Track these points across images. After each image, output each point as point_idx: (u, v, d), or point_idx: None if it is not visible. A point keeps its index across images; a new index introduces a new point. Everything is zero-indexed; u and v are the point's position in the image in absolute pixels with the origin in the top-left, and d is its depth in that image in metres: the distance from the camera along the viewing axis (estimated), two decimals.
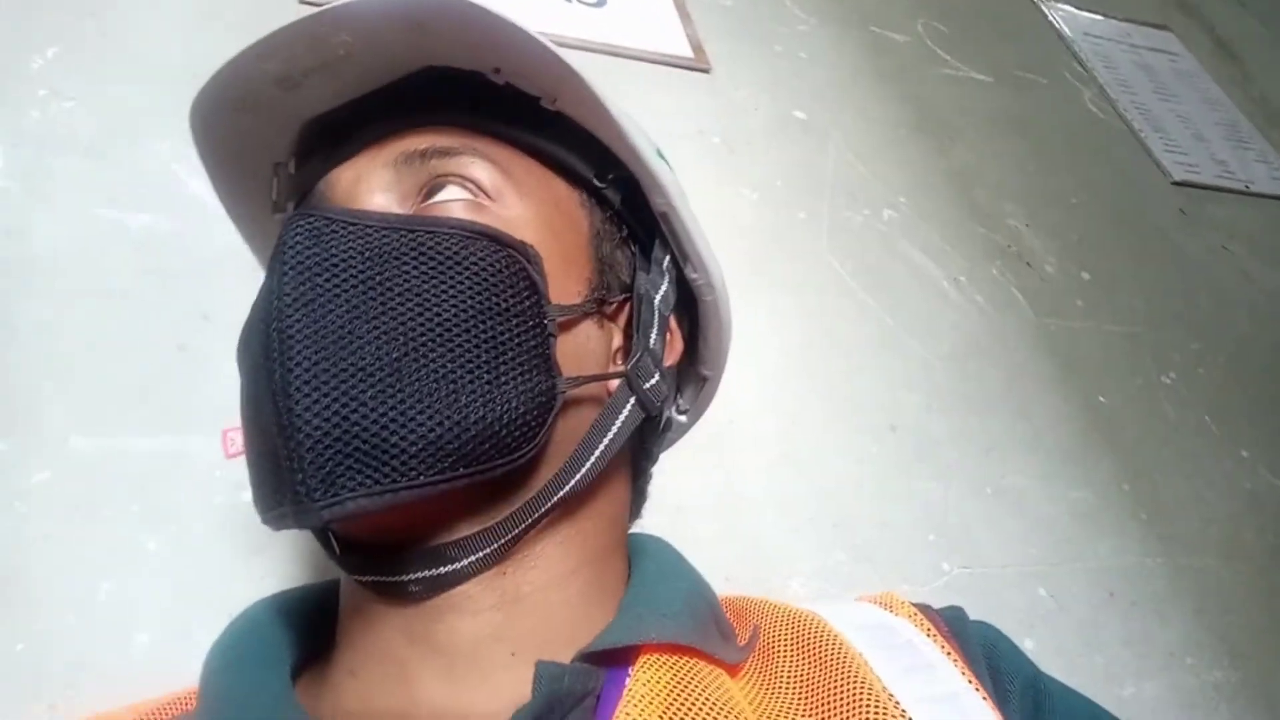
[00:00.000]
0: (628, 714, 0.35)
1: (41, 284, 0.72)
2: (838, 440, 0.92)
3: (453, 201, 0.43)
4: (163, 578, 0.63)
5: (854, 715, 0.37)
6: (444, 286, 0.40)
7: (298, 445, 0.36)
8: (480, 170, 0.45)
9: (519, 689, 0.36)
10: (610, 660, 0.38)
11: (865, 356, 1.00)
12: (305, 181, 0.47)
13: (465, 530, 0.40)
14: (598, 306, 0.46)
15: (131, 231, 0.77)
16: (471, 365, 0.39)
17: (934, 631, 0.43)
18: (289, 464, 0.36)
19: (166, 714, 0.44)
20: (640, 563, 0.46)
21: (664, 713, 0.36)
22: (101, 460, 0.66)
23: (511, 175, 0.45)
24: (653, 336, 0.47)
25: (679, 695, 0.36)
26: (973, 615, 0.47)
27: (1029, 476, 0.97)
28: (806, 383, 0.95)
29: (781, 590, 0.79)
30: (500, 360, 0.40)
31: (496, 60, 0.46)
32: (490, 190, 0.44)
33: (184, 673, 0.45)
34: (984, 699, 0.39)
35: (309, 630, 0.46)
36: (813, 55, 1.31)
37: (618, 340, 0.47)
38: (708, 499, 0.81)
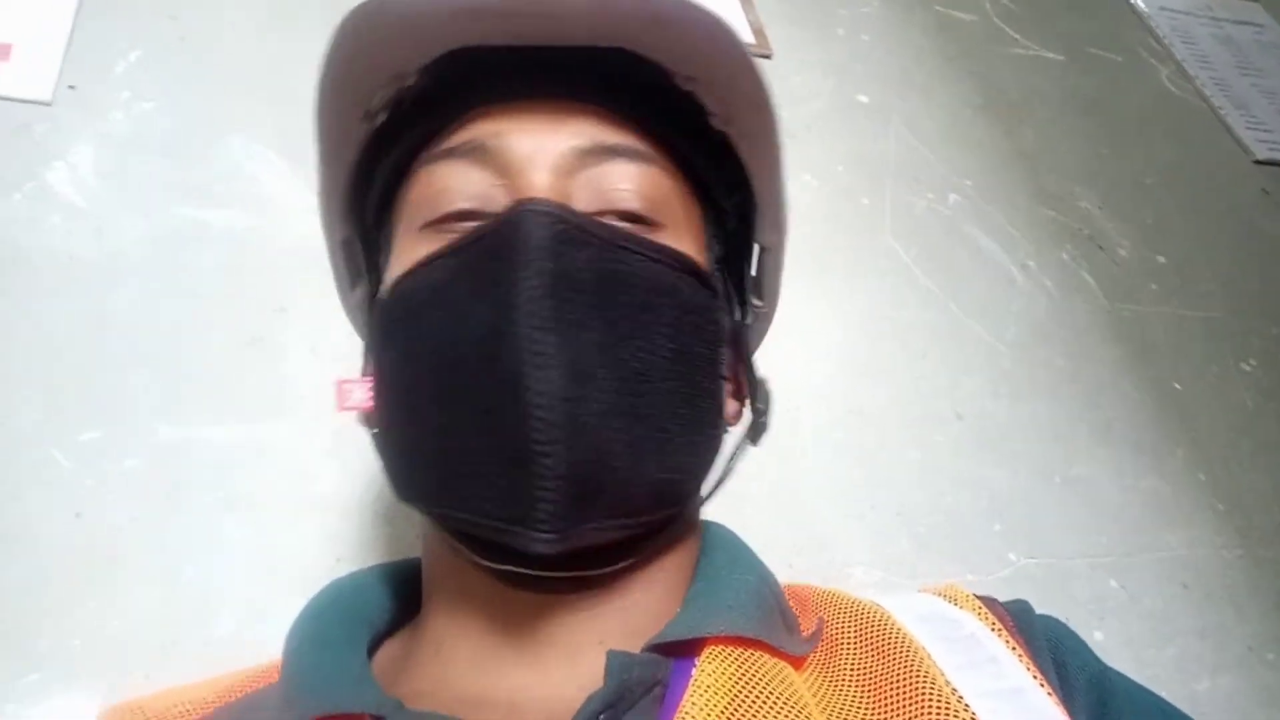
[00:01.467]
0: (693, 703, 0.36)
1: (127, 279, 0.75)
2: (900, 428, 0.91)
3: (639, 219, 0.43)
4: (242, 560, 0.66)
5: (917, 708, 0.37)
6: (663, 322, 0.41)
7: (544, 477, 0.36)
8: (660, 186, 0.45)
9: (594, 677, 0.37)
10: (677, 651, 0.39)
11: (929, 343, 0.99)
12: (438, 105, 0.45)
13: (629, 544, 0.42)
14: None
15: (209, 228, 0.80)
16: (684, 412, 0.42)
17: (998, 625, 0.43)
18: (530, 492, 0.37)
19: (251, 685, 0.46)
20: (708, 553, 0.47)
21: (728, 704, 0.36)
22: (184, 448, 0.69)
23: (676, 193, 0.46)
24: (754, 369, 0.50)
25: (743, 687, 0.37)
26: (1040, 606, 0.46)
27: (1099, 465, 0.95)
28: (868, 370, 0.94)
29: (842, 579, 0.79)
30: (700, 407, 0.43)
31: (696, 70, 0.44)
32: (664, 210, 0.44)
33: (265, 652, 0.47)
34: (1049, 694, 0.39)
35: (384, 609, 0.48)
36: (876, 38, 1.29)
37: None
38: (766, 486, 0.81)
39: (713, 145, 0.47)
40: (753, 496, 0.80)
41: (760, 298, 0.52)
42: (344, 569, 0.57)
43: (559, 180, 0.42)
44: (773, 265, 0.51)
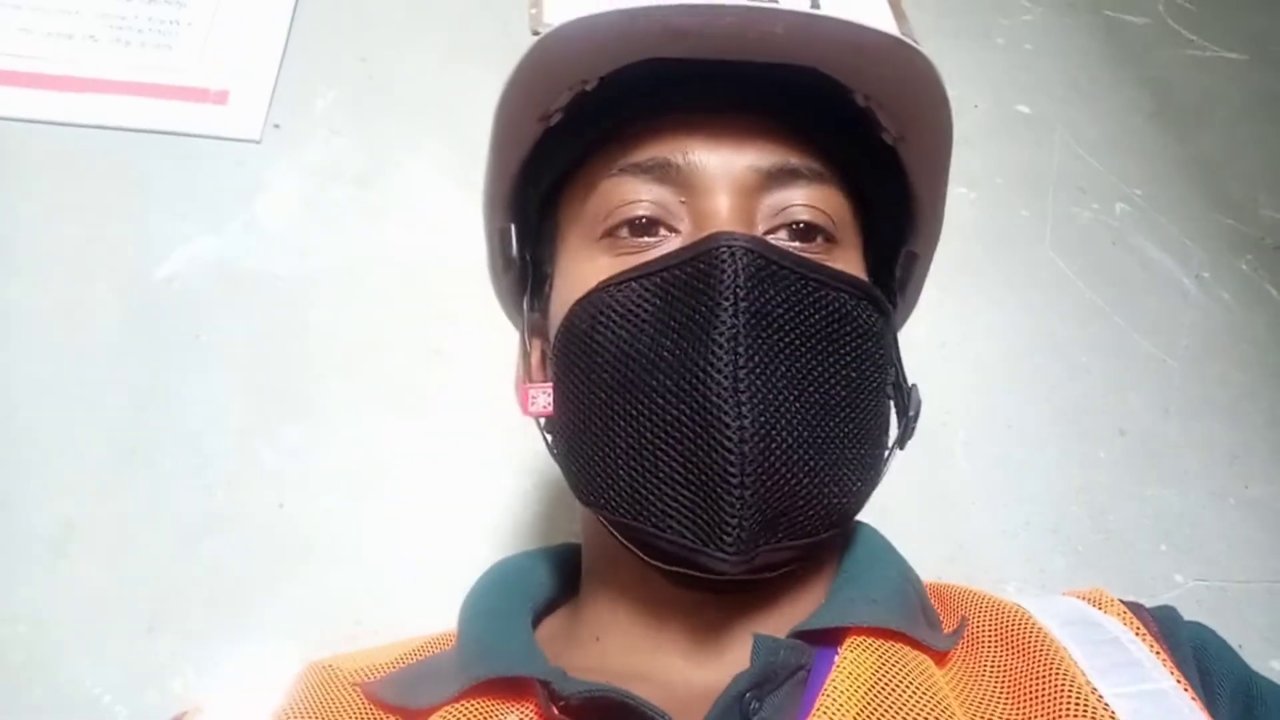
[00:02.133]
0: (836, 687, 0.38)
1: (325, 294, 0.84)
2: (1059, 444, 0.90)
3: (815, 235, 0.45)
4: (417, 547, 0.73)
5: (1057, 707, 0.37)
6: (845, 352, 0.43)
7: (735, 508, 0.38)
8: (836, 205, 0.46)
9: (742, 662, 0.39)
10: (820, 640, 0.41)
11: (1092, 358, 0.96)
12: (616, 110, 0.46)
13: (794, 552, 0.44)
14: None
15: (394, 248, 0.88)
16: (859, 436, 0.44)
17: (1142, 630, 0.42)
18: (720, 519, 0.39)
19: (428, 650, 0.50)
20: (851, 548, 0.49)
21: (869, 692, 0.37)
22: (373, 446, 0.77)
23: (848, 209, 0.48)
24: (904, 375, 0.50)
25: (884, 676, 0.38)
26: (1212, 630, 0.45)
27: (1278, 487, 0.90)
28: (1026, 384, 0.93)
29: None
30: (872, 430, 0.45)
31: (877, 90, 0.46)
32: (839, 227, 0.46)
33: (435, 626, 0.52)
34: (1192, 699, 0.38)
35: (544, 587, 0.52)
36: (1038, 46, 1.26)
37: None
38: (914, 498, 0.82)
39: (879, 158, 0.49)
40: (898, 508, 0.80)
41: (903, 299, 0.53)
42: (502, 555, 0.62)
43: (743, 200, 0.44)
44: (920, 271, 0.53)
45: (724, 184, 0.44)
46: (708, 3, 0.42)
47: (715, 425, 0.39)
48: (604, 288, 0.44)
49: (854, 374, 0.43)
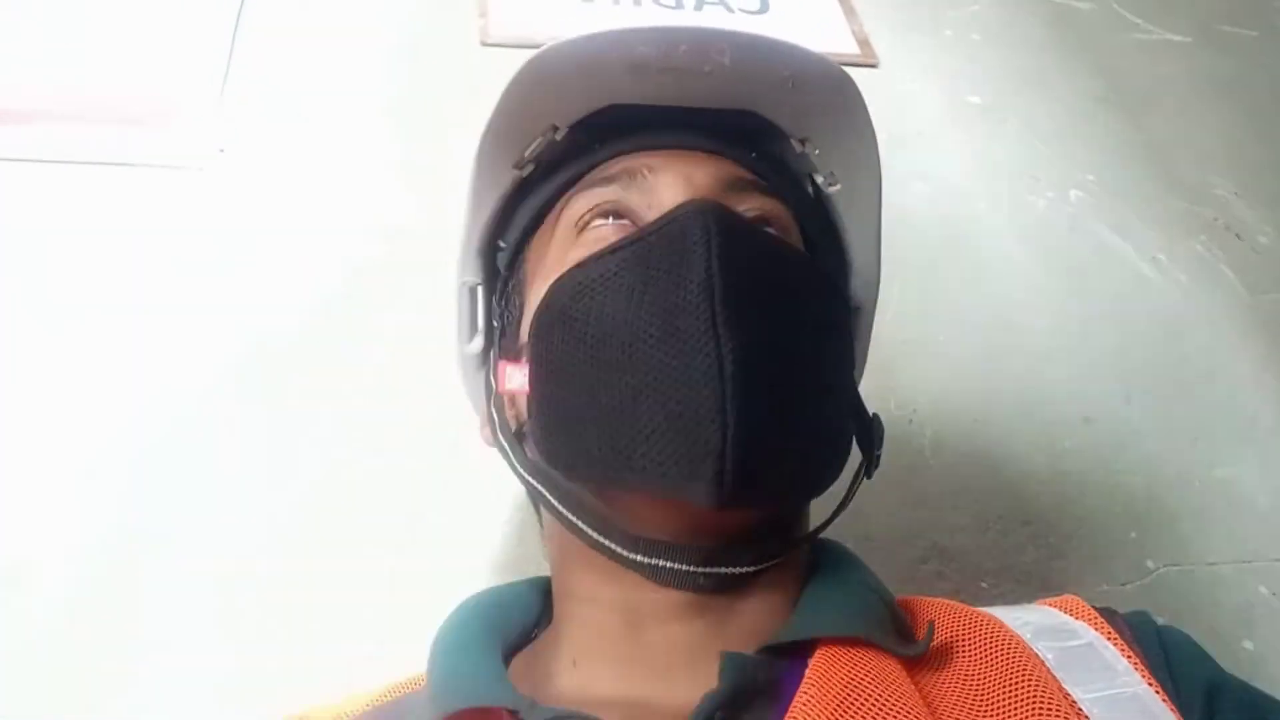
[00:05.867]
0: (807, 699, 0.38)
1: (282, 317, 0.83)
2: (1026, 435, 0.90)
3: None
4: (392, 585, 0.72)
5: (1029, 712, 0.38)
6: (819, 317, 0.46)
7: (723, 437, 0.39)
8: (789, 223, 0.50)
9: (713, 679, 0.39)
10: (791, 653, 0.41)
11: (1053, 346, 0.97)
12: (583, 154, 0.51)
13: (765, 546, 0.46)
14: None
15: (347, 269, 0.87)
16: (830, 409, 0.46)
17: (1114, 635, 0.43)
18: (708, 450, 0.39)
19: (401, 691, 0.50)
20: (819, 563, 0.49)
21: (840, 703, 0.37)
22: (342, 485, 0.76)
23: (796, 233, 0.51)
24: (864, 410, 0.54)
25: (854, 686, 0.38)
26: (1184, 615, 0.47)
27: (1243, 466, 0.91)
28: (990, 377, 0.93)
29: (969, 591, 0.78)
30: (840, 412, 0.48)
31: (811, 133, 0.51)
32: (793, 240, 0.50)
33: None
34: (1164, 701, 0.39)
35: (516, 621, 0.52)
36: (987, 36, 1.27)
37: None
38: (885, 499, 0.81)
39: (818, 205, 0.53)
40: (874, 507, 0.81)
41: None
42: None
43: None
44: (864, 325, 0.57)
45: (685, 189, 0.47)
46: (663, 26, 0.47)
47: (695, 359, 0.40)
48: (581, 265, 0.46)
49: (821, 341, 0.46)
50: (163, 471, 0.74)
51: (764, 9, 1.20)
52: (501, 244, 0.55)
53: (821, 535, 0.52)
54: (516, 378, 0.48)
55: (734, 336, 0.40)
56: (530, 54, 0.47)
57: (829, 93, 0.48)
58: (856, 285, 0.55)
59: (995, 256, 1.03)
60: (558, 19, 1.11)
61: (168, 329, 0.80)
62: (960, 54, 1.24)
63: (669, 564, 0.43)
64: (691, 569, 0.43)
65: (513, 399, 0.51)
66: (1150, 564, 0.83)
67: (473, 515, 0.75)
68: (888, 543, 0.80)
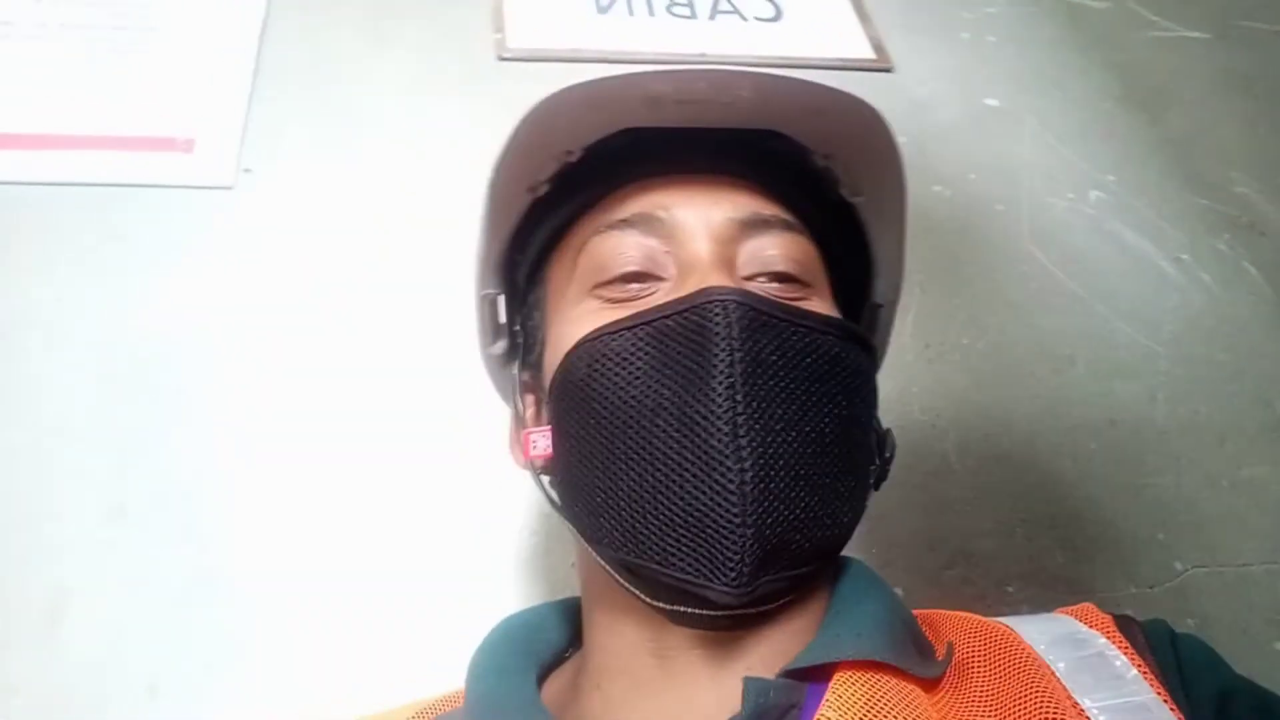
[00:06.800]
0: None
1: (310, 339, 0.84)
2: (1051, 438, 0.90)
3: (790, 280, 0.48)
4: (423, 604, 0.73)
5: None
6: (836, 391, 0.45)
7: (738, 545, 0.40)
8: (806, 252, 0.50)
9: (736, 703, 0.40)
10: (811, 676, 0.41)
11: (1076, 348, 0.96)
12: (600, 178, 0.51)
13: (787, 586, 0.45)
14: None
15: (376, 284, 0.88)
16: (849, 471, 0.46)
17: (1127, 644, 0.44)
18: (724, 556, 0.40)
19: (440, 709, 0.51)
20: (839, 584, 0.49)
21: None
22: (372, 499, 0.77)
23: (816, 257, 0.51)
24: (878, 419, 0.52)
25: (873, 709, 0.39)
26: (1214, 616, 0.47)
27: (1272, 465, 0.90)
28: (1012, 381, 0.93)
29: (995, 596, 0.78)
30: (860, 464, 0.48)
31: (834, 149, 0.50)
32: (811, 273, 0.50)
33: None
34: (1172, 710, 0.40)
35: (550, 643, 0.53)
36: (1003, 38, 1.27)
37: None
38: (910, 504, 0.82)
39: (841, 212, 0.53)
40: (899, 513, 0.81)
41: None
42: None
43: (722, 248, 0.47)
44: (885, 321, 0.57)
45: (704, 233, 0.47)
46: (682, 69, 0.46)
47: (717, 471, 0.40)
48: (599, 335, 0.46)
49: (844, 412, 0.45)
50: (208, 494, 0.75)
51: (778, 16, 1.21)
52: (519, 258, 0.55)
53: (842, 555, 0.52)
54: (541, 443, 0.49)
55: (754, 451, 0.41)
56: (543, 93, 0.46)
57: (853, 122, 0.48)
58: (881, 286, 0.55)
59: (1017, 259, 1.03)
60: (573, 32, 1.12)
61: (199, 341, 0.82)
62: (976, 56, 1.24)
63: (692, 610, 0.43)
64: (714, 614, 0.43)
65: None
66: (1179, 566, 0.83)
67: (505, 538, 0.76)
68: (913, 548, 0.80)
